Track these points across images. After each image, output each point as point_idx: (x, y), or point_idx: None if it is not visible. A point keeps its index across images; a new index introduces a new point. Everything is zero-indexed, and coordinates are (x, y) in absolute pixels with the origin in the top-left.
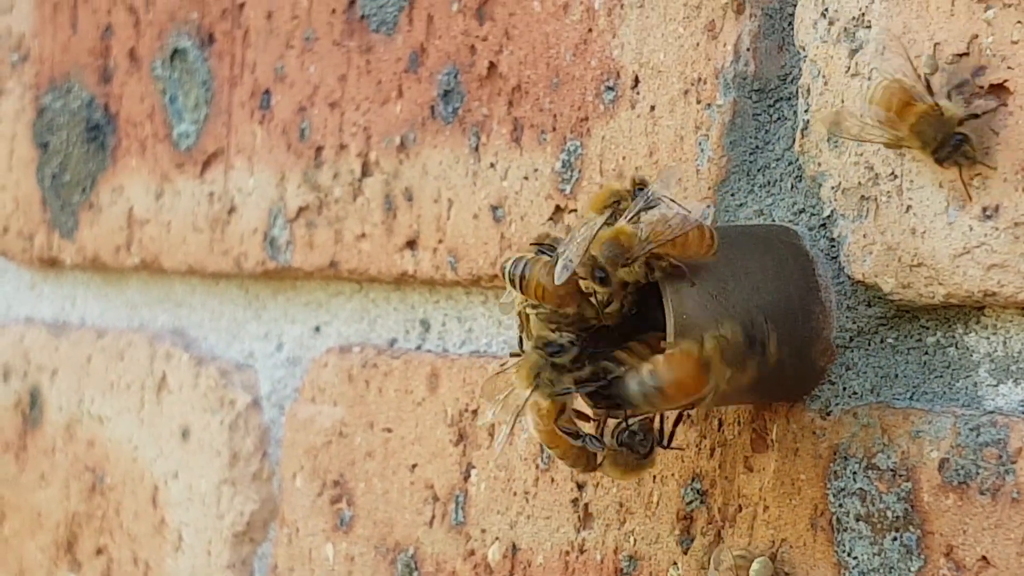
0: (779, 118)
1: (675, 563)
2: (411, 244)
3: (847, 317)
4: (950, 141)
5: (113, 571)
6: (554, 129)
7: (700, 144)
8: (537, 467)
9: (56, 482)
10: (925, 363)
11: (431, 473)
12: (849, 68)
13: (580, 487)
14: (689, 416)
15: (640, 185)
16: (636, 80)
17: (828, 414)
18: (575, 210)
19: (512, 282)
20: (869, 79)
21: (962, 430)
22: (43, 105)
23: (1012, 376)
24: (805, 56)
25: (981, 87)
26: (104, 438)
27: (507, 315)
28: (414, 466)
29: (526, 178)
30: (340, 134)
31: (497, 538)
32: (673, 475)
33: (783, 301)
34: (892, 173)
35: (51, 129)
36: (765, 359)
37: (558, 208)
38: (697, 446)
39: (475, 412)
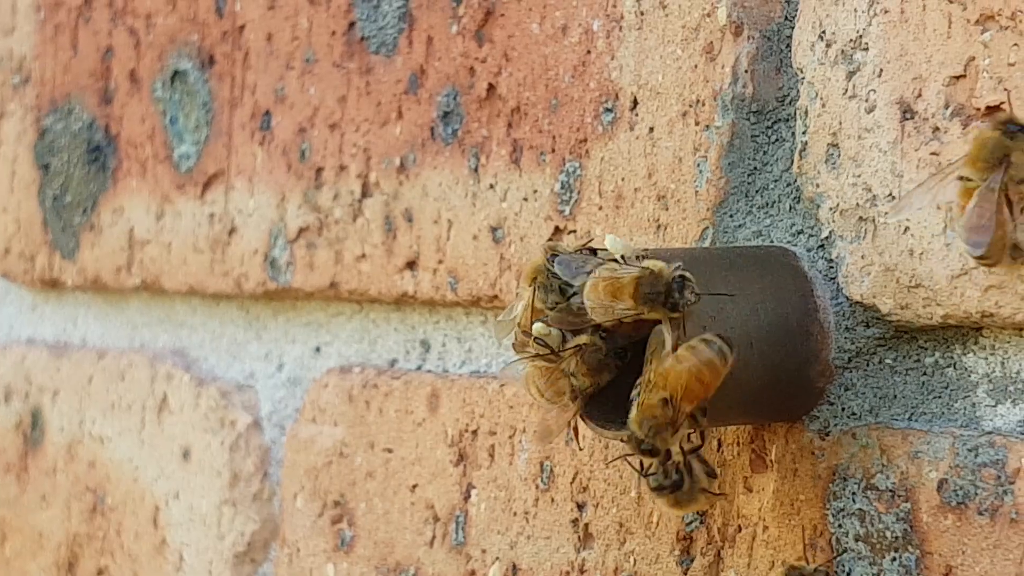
0: (777, 139)
1: None
2: (411, 265)
3: (845, 338)
4: None
5: None
6: (553, 150)
7: (698, 165)
8: (537, 487)
9: (57, 503)
10: (923, 384)
11: (431, 493)
12: (847, 90)
13: (580, 507)
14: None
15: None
16: (635, 102)
17: (827, 435)
18: (574, 231)
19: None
20: (866, 101)
21: (960, 451)
22: (44, 127)
23: (1010, 396)
24: (803, 78)
25: (978, 109)
26: (105, 459)
27: (503, 336)
28: (414, 486)
29: (525, 199)
30: (340, 155)
31: (497, 558)
32: None
33: (781, 322)
34: (890, 194)
35: (52, 151)
36: None
37: (557, 229)
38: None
39: (475, 432)
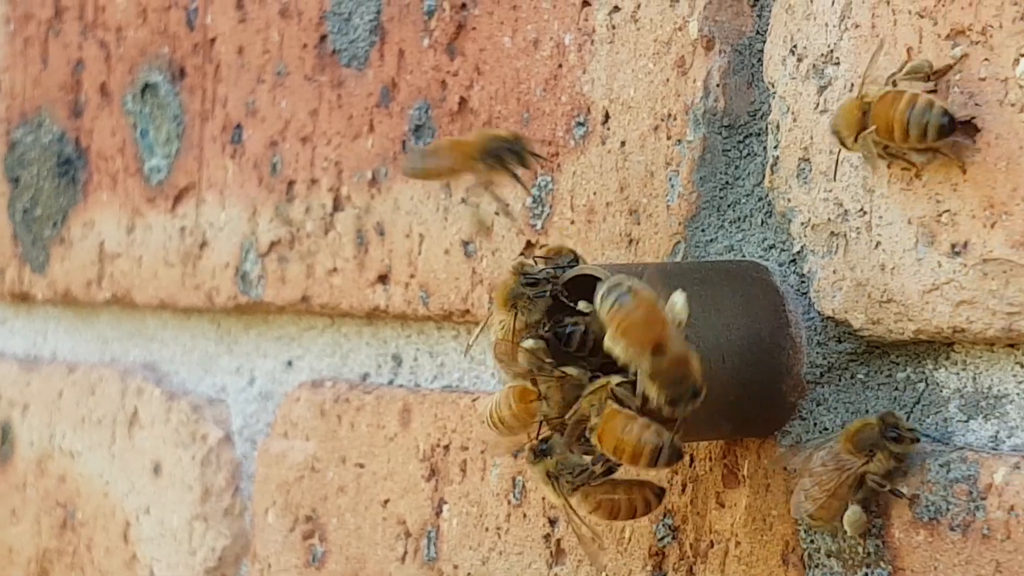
0: (749, 154)
1: None
2: (383, 279)
3: (817, 353)
4: None
5: None
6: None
7: (670, 180)
8: (509, 503)
9: (27, 518)
10: (895, 399)
11: (403, 508)
12: (818, 105)
13: (552, 523)
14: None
15: None
16: (606, 116)
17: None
18: (545, 245)
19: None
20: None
21: (932, 466)
22: (14, 140)
23: (982, 412)
24: (774, 92)
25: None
26: (75, 473)
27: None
28: (386, 501)
29: (497, 213)
30: (311, 169)
31: (469, 574)
32: None
33: (753, 337)
34: (861, 209)
35: (22, 164)
36: None
37: (529, 243)
38: (669, 482)
39: (447, 447)
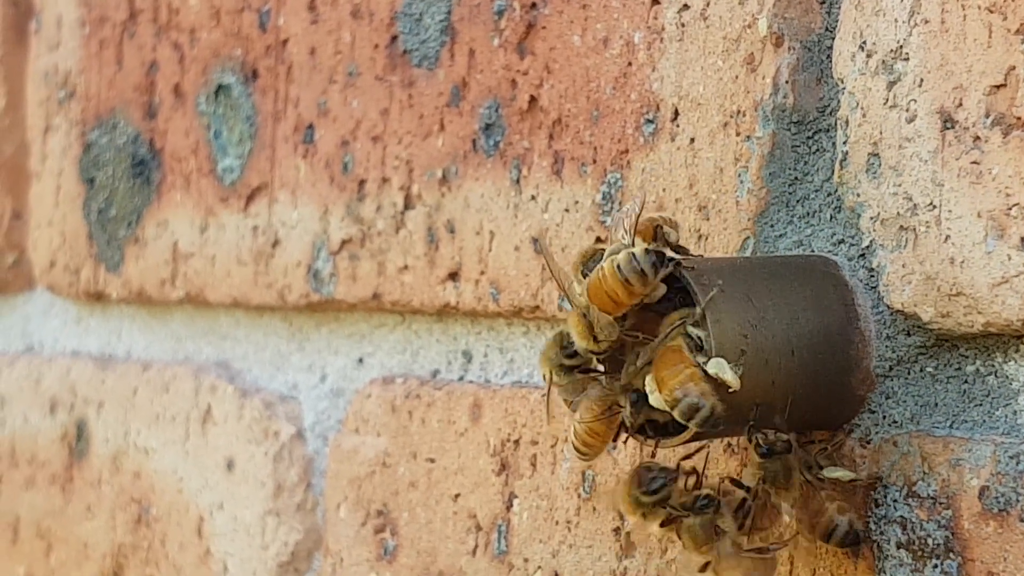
0: (818, 150)
1: None
2: (453, 276)
3: (886, 346)
4: None
5: None
6: (594, 162)
7: (739, 176)
8: (579, 496)
9: (102, 513)
10: (965, 392)
11: (474, 503)
12: (887, 100)
13: (622, 516)
14: (730, 445)
15: None
16: (676, 113)
17: (868, 442)
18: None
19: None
20: (907, 110)
21: (1002, 458)
22: (89, 141)
23: None
24: (843, 88)
25: (1019, 118)
26: (150, 470)
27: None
28: (457, 496)
29: (567, 210)
30: (383, 167)
31: (539, 567)
32: None
33: (822, 330)
34: (931, 203)
35: (97, 165)
36: None
37: (599, 240)
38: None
39: (517, 442)
